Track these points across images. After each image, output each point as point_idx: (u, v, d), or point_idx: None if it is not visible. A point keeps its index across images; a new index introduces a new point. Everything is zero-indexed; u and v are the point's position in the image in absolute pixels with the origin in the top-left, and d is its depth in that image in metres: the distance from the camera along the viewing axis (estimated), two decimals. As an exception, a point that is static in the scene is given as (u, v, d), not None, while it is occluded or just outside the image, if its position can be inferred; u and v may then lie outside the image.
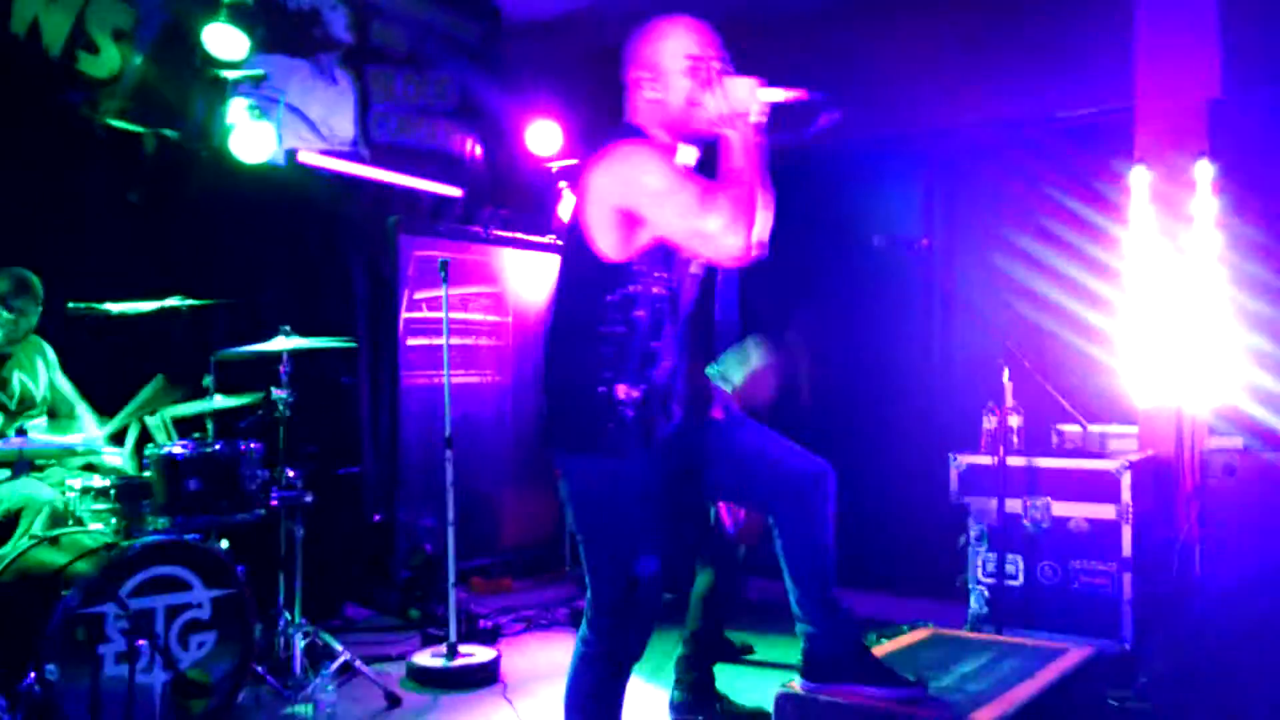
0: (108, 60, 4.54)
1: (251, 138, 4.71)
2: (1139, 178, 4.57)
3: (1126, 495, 4.09)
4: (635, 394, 2.35)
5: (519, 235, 6.27)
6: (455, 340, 5.59)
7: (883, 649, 3.28)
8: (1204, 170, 4.36)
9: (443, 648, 4.30)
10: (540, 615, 5.23)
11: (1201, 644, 3.78)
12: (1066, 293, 4.97)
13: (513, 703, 3.95)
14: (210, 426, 3.94)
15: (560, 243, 2.63)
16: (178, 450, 3.61)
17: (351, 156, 5.55)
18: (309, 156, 5.27)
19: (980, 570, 4.35)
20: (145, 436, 3.85)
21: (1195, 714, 3.50)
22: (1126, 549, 4.08)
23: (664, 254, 2.38)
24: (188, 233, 4.71)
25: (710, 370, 3.57)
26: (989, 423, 4.39)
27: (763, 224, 2.29)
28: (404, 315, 5.62)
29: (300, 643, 3.89)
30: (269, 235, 5.05)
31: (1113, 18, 4.88)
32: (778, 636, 4.49)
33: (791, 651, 2.87)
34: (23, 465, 3.65)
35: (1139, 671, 3.77)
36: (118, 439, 3.92)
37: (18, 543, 3.54)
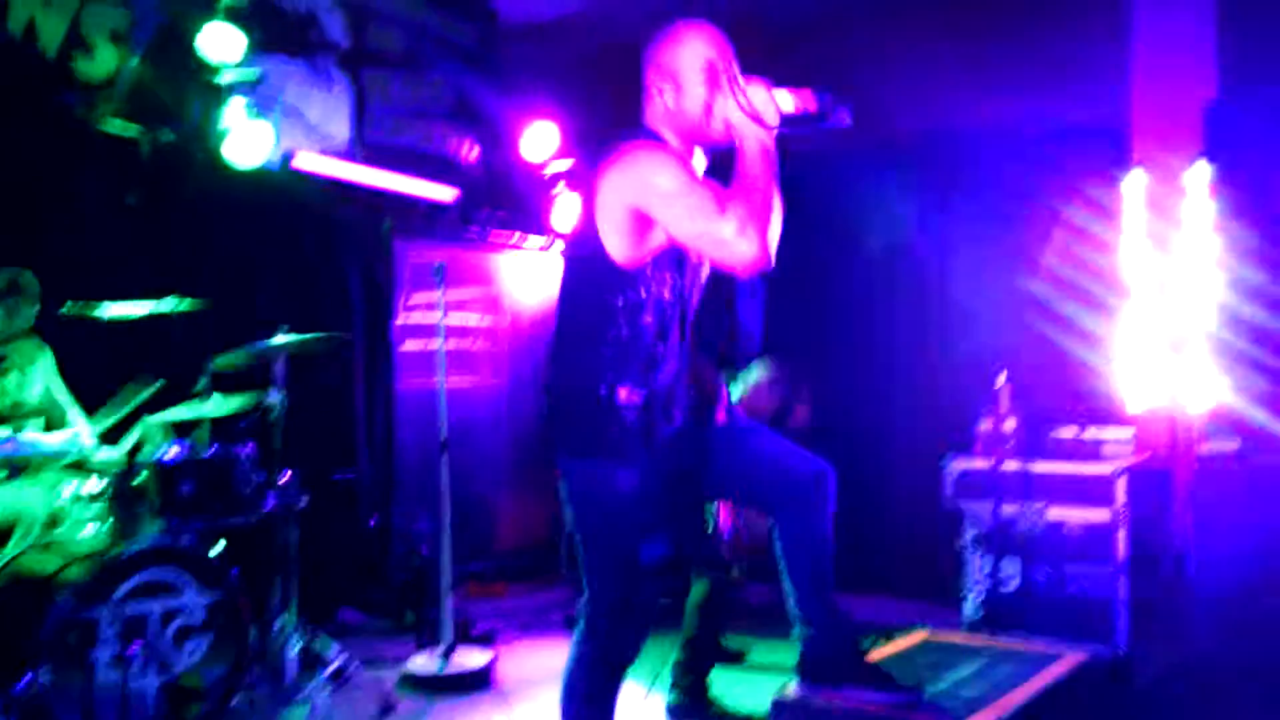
0: (104, 62, 4.53)
1: (247, 140, 4.70)
2: (1135, 181, 4.58)
3: (1121, 499, 4.09)
4: (637, 398, 2.35)
5: (515, 238, 6.27)
6: (451, 344, 5.59)
7: (879, 653, 3.28)
8: (1200, 173, 4.36)
9: (438, 652, 4.29)
10: (535, 620, 5.23)
11: (1197, 647, 3.79)
12: (1062, 296, 4.98)
13: (508, 708, 3.94)
14: (205, 430, 3.93)
15: (565, 243, 2.63)
16: (172, 454, 3.60)
17: (348, 159, 5.54)
18: (305, 159, 5.26)
19: (975, 574, 4.35)
20: (140, 440, 3.84)
21: (1191, 718, 3.50)
22: (1121, 553, 4.08)
23: (674, 258, 2.38)
24: (183, 235, 4.70)
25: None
26: (984, 426, 4.40)
27: (774, 232, 2.29)
28: (399, 319, 5.62)
29: (295, 647, 3.88)
30: (264, 238, 5.04)
31: (1109, 22, 4.89)
32: (774, 640, 4.48)
33: (788, 655, 2.87)
34: (14, 470, 3.63)
35: (1134, 676, 3.77)
36: (109, 438, 3.90)
37: (11, 549, 3.52)
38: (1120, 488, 4.10)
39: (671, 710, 3.80)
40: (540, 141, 6.11)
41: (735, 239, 2.22)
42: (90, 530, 3.56)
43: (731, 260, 2.27)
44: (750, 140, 2.32)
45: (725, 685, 3.96)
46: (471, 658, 4.30)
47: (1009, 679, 2.98)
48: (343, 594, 5.23)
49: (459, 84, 6.10)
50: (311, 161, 5.29)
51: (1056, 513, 4.23)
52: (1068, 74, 5.18)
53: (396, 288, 5.56)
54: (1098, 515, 4.14)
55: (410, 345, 5.64)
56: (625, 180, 2.31)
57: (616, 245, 2.33)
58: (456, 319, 5.86)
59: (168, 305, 3.89)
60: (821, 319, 5.75)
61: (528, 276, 6.36)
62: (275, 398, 3.95)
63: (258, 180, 4.87)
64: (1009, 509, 4.26)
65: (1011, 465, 4.25)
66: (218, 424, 3.95)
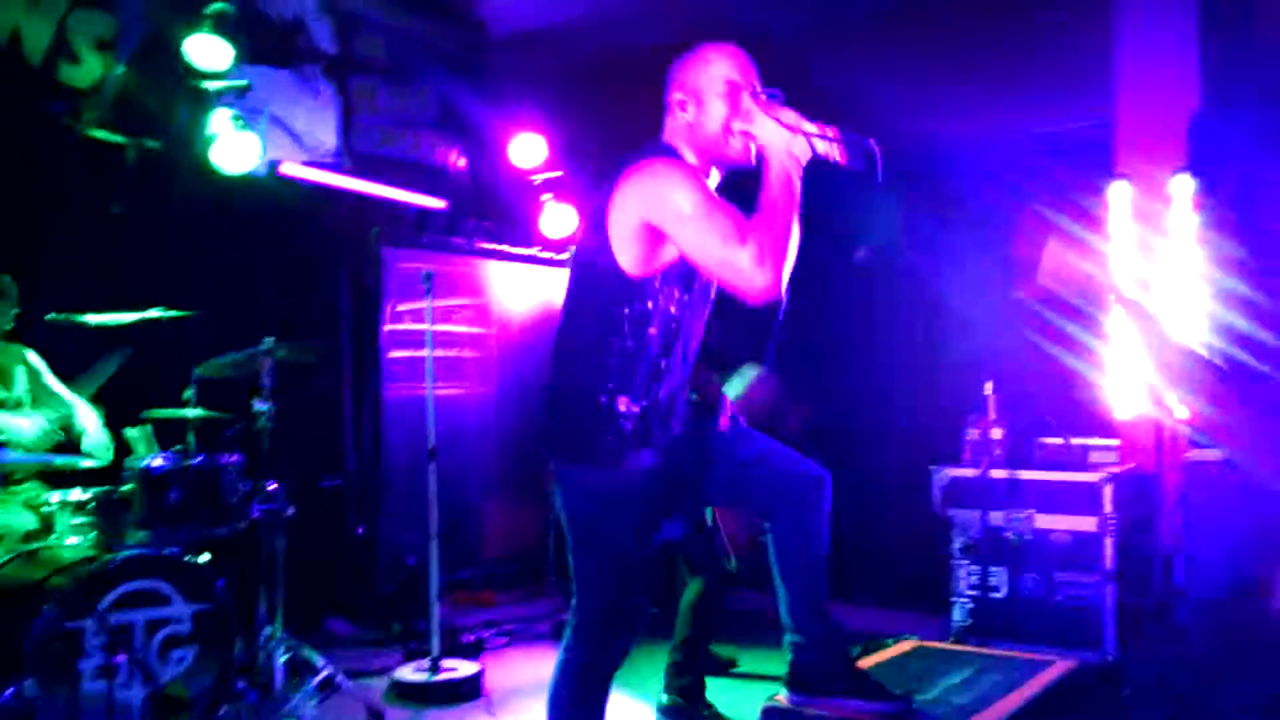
0: (89, 70, 4.51)
1: (234, 148, 4.69)
2: (1119, 192, 4.61)
3: (1108, 507, 4.11)
4: (636, 409, 2.35)
5: (502, 247, 6.26)
6: (439, 352, 5.57)
7: (868, 662, 3.29)
8: (1183, 185, 4.40)
9: (426, 662, 4.28)
10: (523, 629, 5.21)
11: (1184, 654, 3.81)
12: (1049, 305, 5.00)
13: (496, 718, 3.93)
14: (191, 438, 3.91)
15: (574, 250, 2.62)
16: (158, 463, 3.57)
17: (334, 168, 5.53)
18: (292, 168, 5.25)
19: (964, 582, 4.36)
20: (124, 448, 3.81)
21: (1178, 725, 3.51)
22: (1109, 560, 4.10)
23: (683, 274, 2.38)
24: (169, 243, 4.68)
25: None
26: (972, 435, 4.41)
27: (790, 261, 2.29)
28: (387, 327, 5.60)
29: (281, 657, 3.85)
30: (251, 246, 5.02)
31: (1094, 34, 4.93)
32: (762, 649, 4.48)
33: (777, 664, 2.87)
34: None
35: (1122, 683, 3.78)
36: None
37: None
38: (1107, 495, 4.12)
39: (665, 711, 3.79)
40: (528, 151, 6.11)
41: (752, 269, 2.21)
42: (75, 540, 3.53)
43: (745, 289, 2.26)
44: (776, 167, 2.31)
45: (714, 694, 3.95)
46: (460, 667, 4.28)
47: (998, 687, 2.99)
48: (330, 603, 5.19)
49: (446, 93, 6.10)
50: (298, 170, 5.28)
51: (1044, 520, 4.25)
52: (1056, 86, 5.23)
53: (384, 296, 5.55)
54: (1085, 523, 4.16)
55: (398, 353, 5.62)
56: (642, 194, 2.30)
57: (628, 256, 2.32)
58: (444, 327, 5.85)
59: (154, 313, 3.87)
60: (809, 327, 5.76)
61: (515, 285, 6.35)
62: (262, 406, 3.93)
63: (244, 188, 4.86)
64: (997, 517, 4.28)
65: (999, 473, 4.27)
66: (204, 432, 3.93)
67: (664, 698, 3.83)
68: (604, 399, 2.34)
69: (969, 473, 4.32)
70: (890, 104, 5.52)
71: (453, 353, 5.94)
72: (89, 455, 3.83)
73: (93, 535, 3.53)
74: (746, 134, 2.39)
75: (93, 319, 3.81)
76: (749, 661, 4.53)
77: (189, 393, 3.84)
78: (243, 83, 4.87)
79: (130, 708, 3.23)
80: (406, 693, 4.16)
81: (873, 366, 5.82)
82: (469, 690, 4.19)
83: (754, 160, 2.41)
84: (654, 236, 2.30)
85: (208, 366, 3.86)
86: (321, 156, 5.49)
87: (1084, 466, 4.45)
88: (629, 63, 6.61)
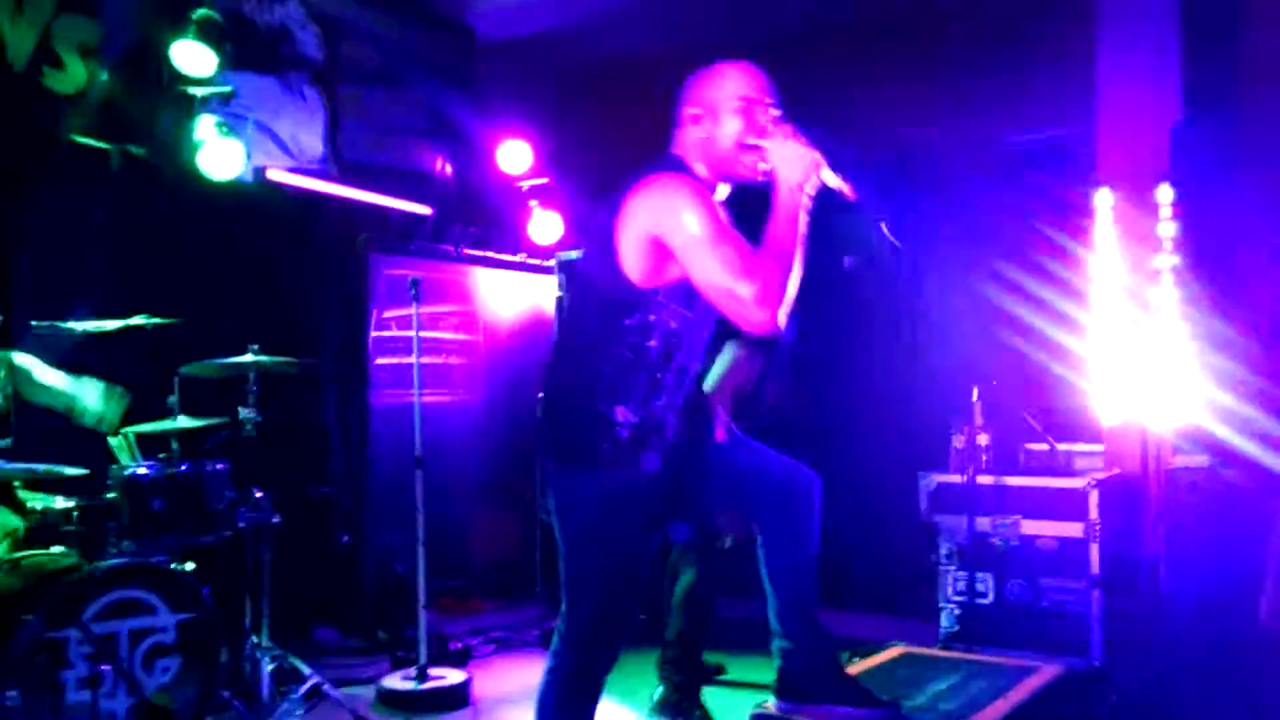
0: (74, 76, 4.49)
1: (219, 155, 4.67)
2: (1102, 200, 4.64)
3: (1094, 513, 4.13)
4: (634, 419, 2.36)
5: (490, 254, 6.26)
6: (425, 359, 5.56)
7: (856, 668, 3.29)
8: (1165, 193, 4.43)
9: (413, 671, 4.26)
10: (511, 636, 5.19)
11: (1170, 659, 3.82)
12: (1033, 312, 5.03)
13: (484, 726, 3.92)
14: (176, 446, 3.88)
15: (581, 257, 2.62)
16: (142, 471, 3.55)
17: (321, 174, 5.52)
18: (278, 174, 5.24)
19: (950, 588, 4.37)
20: (110, 457, 3.79)
21: (1164, 730, 3.53)
22: (1095, 566, 4.11)
23: (686, 292, 2.37)
24: (154, 250, 4.65)
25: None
26: (958, 441, 4.43)
27: (791, 294, 2.29)
28: (373, 334, 5.59)
29: (268, 666, 3.83)
30: (237, 253, 5.00)
31: (1077, 43, 4.96)
32: (751, 656, 4.47)
33: (765, 672, 2.87)
34: None
35: (1109, 688, 3.80)
36: None
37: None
38: (1093, 501, 4.14)
39: (659, 706, 3.79)
40: (515, 157, 6.12)
41: (752, 305, 2.22)
42: (60, 549, 3.51)
43: (743, 321, 2.26)
44: (786, 198, 2.32)
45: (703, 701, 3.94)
46: (447, 676, 4.26)
47: (986, 692, 3.00)
48: (316, 612, 5.17)
49: (434, 100, 6.10)
50: (284, 176, 5.26)
51: (1030, 526, 4.26)
52: (1037, 93, 5.26)
53: (371, 302, 5.53)
54: (1071, 529, 4.17)
55: (385, 360, 5.61)
56: (653, 209, 2.30)
57: (635, 268, 2.32)
58: (431, 334, 5.83)
59: (138, 321, 3.85)
60: (796, 334, 5.77)
61: (502, 292, 6.34)
62: (247, 414, 3.91)
63: (230, 195, 4.84)
64: (984, 523, 4.29)
65: (986, 479, 4.28)
66: (189, 441, 3.91)
67: (659, 691, 3.81)
68: (601, 406, 2.35)
69: (955, 479, 4.33)
70: (877, 112, 5.56)
71: (440, 359, 5.93)
72: (96, 427, 3.82)
73: (77, 544, 3.50)
74: (759, 152, 2.39)
75: (77, 326, 3.78)
76: (737, 669, 4.53)
77: (173, 399, 3.82)
78: (227, 89, 4.86)
79: (115, 718, 3.20)
80: (394, 701, 4.14)
81: (859, 373, 5.83)
82: (457, 698, 4.18)
83: (763, 179, 2.41)
84: (661, 251, 2.30)
85: (193, 366, 3.85)
86: (308, 163, 5.48)
87: (1070, 472, 4.46)
88: (616, 70, 6.65)
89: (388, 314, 5.64)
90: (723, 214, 2.34)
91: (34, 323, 3.73)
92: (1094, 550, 4.12)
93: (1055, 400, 4.95)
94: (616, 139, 6.14)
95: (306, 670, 3.93)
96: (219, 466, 3.70)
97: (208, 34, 4.61)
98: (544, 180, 6.17)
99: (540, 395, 2.50)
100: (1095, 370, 4.63)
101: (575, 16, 6.00)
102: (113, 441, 3.80)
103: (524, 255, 6.41)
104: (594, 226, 2.42)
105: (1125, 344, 4.52)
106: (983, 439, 4.34)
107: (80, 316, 3.82)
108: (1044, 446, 4.63)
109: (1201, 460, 4.15)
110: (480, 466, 6.07)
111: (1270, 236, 4.44)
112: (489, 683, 4.45)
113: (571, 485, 2.41)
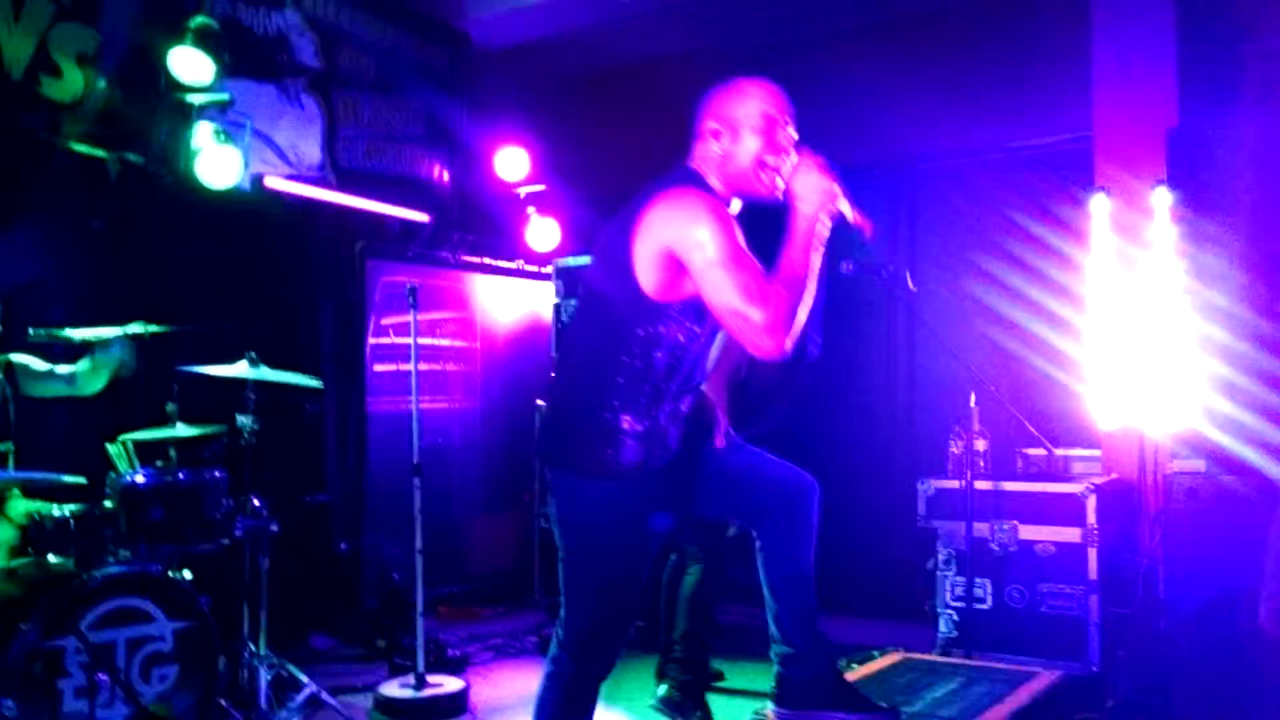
0: (71, 84, 4.49)
1: (217, 162, 4.67)
2: (1099, 205, 4.65)
3: (1092, 518, 4.13)
4: (639, 427, 2.36)
5: (487, 261, 6.26)
6: (423, 366, 5.56)
7: (854, 674, 3.29)
8: (1162, 197, 4.44)
9: (411, 678, 4.25)
10: (509, 643, 5.19)
11: (1167, 664, 3.82)
12: (1031, 318, 5.04)
13: (482, 733, 3.92)
14: (174, 454, 3.88)
15: (593, 265, 2.62)
16: (140, 479, 3.55)
17: (318, 182, 5.52)
18: (275, 182, 5.24)
19: (949, 594, 4.37)
20: (108, 464, 3.78)
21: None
22: (1093, 571, 4.12)
23: (697, 308, 2.37)
24: (152, 258, 4.65)
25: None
26: (956, 447, 4.43)
27: (801, 319, 2.28)
28: (371, 341, 5.59)
29: (265, 675, 3.82)
30: (234, 260, 5.00)
31: (1073, 48, 4.98)
32: (749, 663, 4.47)
33: (763, 679, 2.86)
34: None
35: (1107, 693, 3.80)
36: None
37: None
38: (1090, 506, 4.14)
39: (664, 702, 3.79)
40: (512, 164, 6.13)
41: (762, 331, 2.22)
42: (56, 557, 3.50)
43: (751, 345, 2.26)
44: (803, 224, 2.32)
45: (701, 708, 3.94)
46: (445, 683, 4.26)
47: (984, 698, 3.00)
48: (314, 620, 5.16)
49: (431, 107, 6.10)
50: (282, 184, 5.26)
51: (1028, 531, 4.27)
52: (1034, 98, 5.27)
53: (368, 309, 5.54)
54: (1069, 534, 4.17)
55: (382, 367, 5.61)
56: (670, 223, 2.29)
57: (649, 280, 2.32)
58: (429, 341, 5.84)
59: (135, 328, 3.85)
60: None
61: (500, 298, 6.35)
62: (245, 421, 3.91)
63: (227, 202, 4.84)
64: (981, 528, 4.29)
65: (983, 485, 4.28)
66: (187, 448, 3.91)
67: (660, 690, 3.80)
68: (608, 415, 2.35)
69: (954, 484, 4.33)
70: (875, 117, 5.57)
71: (437, 366, 5.93)
72: (118, 373, 3.83)
73: (74, 552, 3.49)
74: (778, 171, 2.39)
75: (75, 334, 3.78)
76: (736, 676, 4.52)
77: (171, 406, 3.82)
78: (225, 96, 4.86)
79: (112, 727, 3.19)
80: (392, 709, 4.13)
81: (856, 380, 5.84)
82: (455, 706, 4.17)
83: (780, 197, 2.40)
84: (675, 266, 2.30)
85: (192, 370, 3.84)
86: (305, 170, 5.48)
87: (1067, 478, 4.47)
88: (613, 78, 6.66)
89: (385, 321, 5.64)
90: (739, 234, 2.33)
91: (31, 330, 3.72)
92: (1092, 555, 4.12)
93: (1053, 405, 4.96)
94: (613, 146, 6.16)
95: (304, 678, 3.92)
96: (217, 474, 3.69)
97: (205, 42, 4.62)
98: (541, 187, 6.17)
99: (542, 402, 2.51)
100: (1093, 375, 4.64)
101: (572, 24, 6.01)
102: (110, 449, 3.79)
103: (521, 262, 6.42)
104: (608, 236, 2.42)
105: (1123, 349, 4.52)
106: (981, 444, 4.34)
107: (77, 324, 3.81)
108: (1042, 452, 4.63)
109: (1199, 465, 4.15)
110: (478, 473, 6.08)
111: (1270, 237, 4.44)
112: (487, 690, 4.44)
113: (574, 492, 2.42)
